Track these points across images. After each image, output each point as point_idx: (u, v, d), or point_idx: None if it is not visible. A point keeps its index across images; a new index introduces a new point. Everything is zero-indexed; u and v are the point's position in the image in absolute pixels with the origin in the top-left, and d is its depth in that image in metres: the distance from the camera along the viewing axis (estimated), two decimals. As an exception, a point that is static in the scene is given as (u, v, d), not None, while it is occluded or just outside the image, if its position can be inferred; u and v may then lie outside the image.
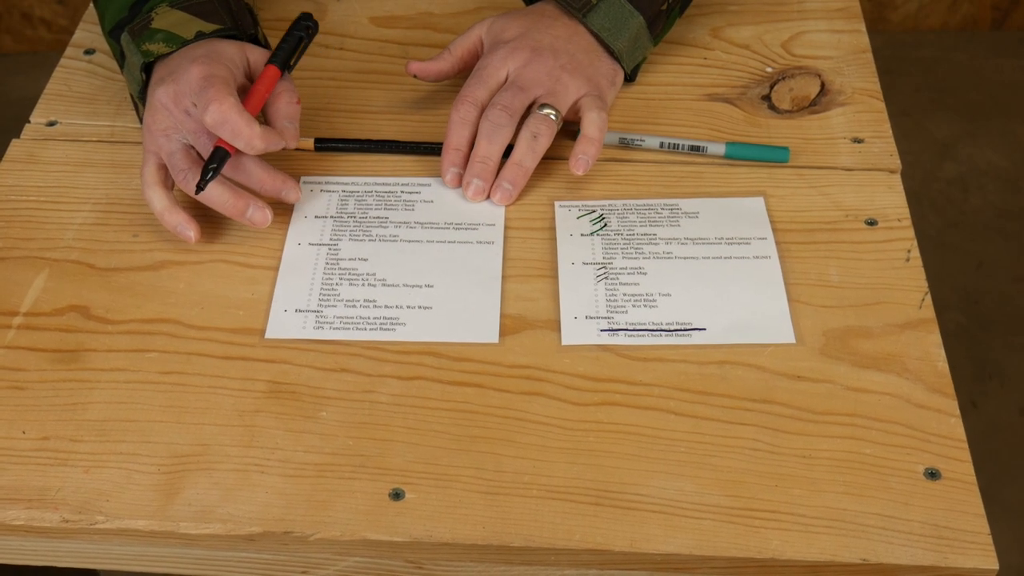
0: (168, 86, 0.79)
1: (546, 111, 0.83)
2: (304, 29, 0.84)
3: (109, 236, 0.82)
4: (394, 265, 0.79)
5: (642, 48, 0.90)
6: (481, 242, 0.81)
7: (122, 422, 0.71)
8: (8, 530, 0.68)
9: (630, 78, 0.92)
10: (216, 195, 0.78)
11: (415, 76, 0.90)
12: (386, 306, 0.77)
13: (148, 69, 0.83)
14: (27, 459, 0.70)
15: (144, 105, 0.83)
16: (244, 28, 0.85)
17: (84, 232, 0.83)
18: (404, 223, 0.82)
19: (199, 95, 0.77)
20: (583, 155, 0.82)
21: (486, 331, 0.75)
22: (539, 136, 0.83)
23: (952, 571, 0.64)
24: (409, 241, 0.81)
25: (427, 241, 0.81)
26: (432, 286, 0.78)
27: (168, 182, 0.81)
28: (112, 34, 0.87)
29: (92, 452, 0.70)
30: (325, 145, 0.88)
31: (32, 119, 0.92)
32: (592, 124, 0.83)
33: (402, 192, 0.85)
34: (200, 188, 0.77)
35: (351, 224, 0.82)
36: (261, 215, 0.80)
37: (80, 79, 0.95)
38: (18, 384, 0.73)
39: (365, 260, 0.80)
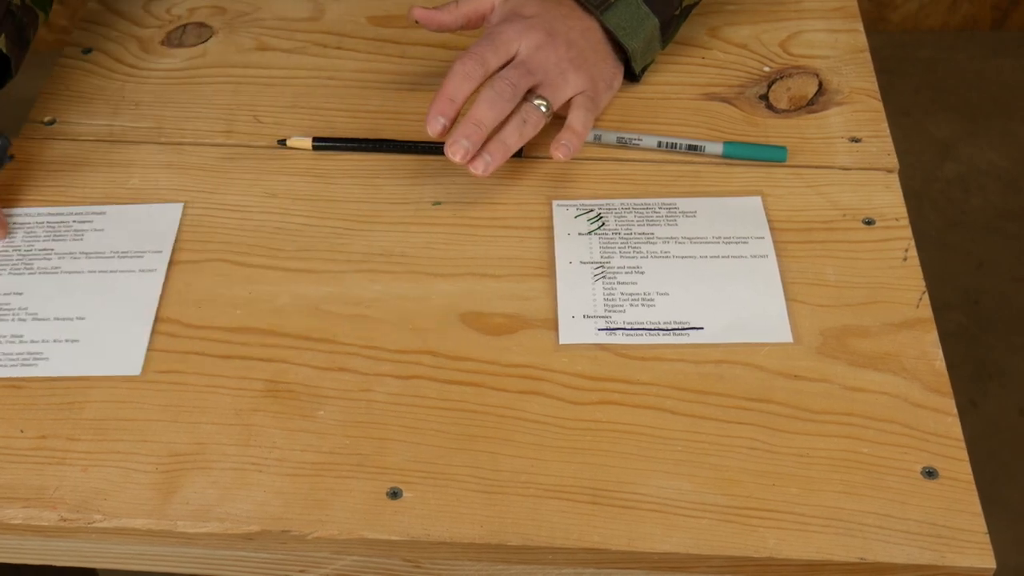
0: None
1: (539, 102, 0.83)
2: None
3: (107, 235, 0.82)
4: (49, 298, 0.77)
5: (653, 51, 0.91)
6: (143, 270, 0.79)
7: (120, 421, 0.71)
8: (6, 529, 0.68)
9: (636, 78, 0.92)
10: None
11: (417, 22, 0.89)
12: (32, 340, 0.75)
13: None
14: (25, 458, 0.70)
15: None
16: None
17: (82, 231, 0.83)
18: (69, 254, 0.80)
19: None
20: (565, 141, 0.82)
21: (128, 364, 0.74)
22: (528, 123, 0.82)
23: (949, 570, 0.64)
24: (70, 272, 0.79)
25: (88, 272, 0.79)
26: (84, 318, 0.76)
27: None
28: None
29: (90, 451, 0.70)
30: (323, 144, 0.88)
31: (31, 117, 0.92)
32: (577, 120, 0.83)
33: (73, 222, 0.82)
34: None
35: (14, 257, 0.80)
36: None
37: (79, 78, 0.95)
38: (15, 383, 0.74)
39: (20, 294, 0.78)
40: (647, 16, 0.88)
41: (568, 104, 0.85)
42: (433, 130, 0.82)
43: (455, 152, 0.80)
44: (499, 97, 0.81)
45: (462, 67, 0.82)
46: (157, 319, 0.77)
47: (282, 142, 0.88)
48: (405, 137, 0.89)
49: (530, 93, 0.83)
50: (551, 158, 0.82)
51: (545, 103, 0.83)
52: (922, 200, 1.95)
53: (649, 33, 0.88)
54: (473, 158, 0.81)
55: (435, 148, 0.87)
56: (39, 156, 0.88)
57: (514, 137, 0.82)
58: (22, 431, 0.71)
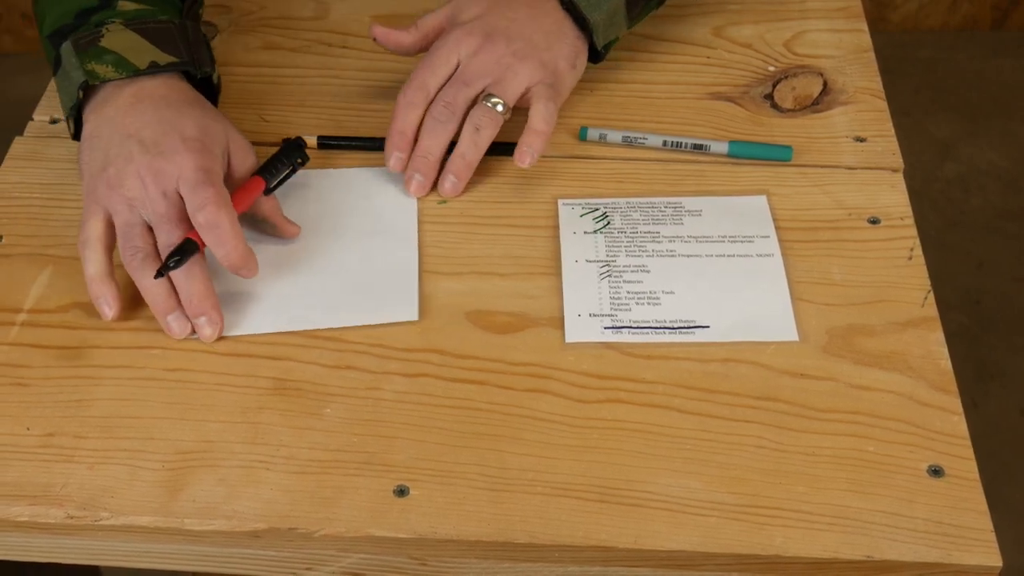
0: (151, 158, 0.76)
1: (492, 101, 0.82)
2: (296, 158, 0.83)
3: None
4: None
5: (617, 27, 0.88)
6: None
7: (126, 419, 0.71)
8: (12, 526, 0.68)
9: (599, 56, 0.88)
10: (155, 285, 0.75)
11: (375, 39, 0.89)
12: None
13: (86, 88, 0.80)
14: (32, 455, 0.70)
15: (75, 124, 0.81)
16: (200, 64, 0.82)
17: (88, 229, 0.83)
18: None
19: (193, 188, 0.74)
20: (527, 147, 0.81)
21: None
22: (481, 129, 0.82)
23: (956, 568, 0.64)
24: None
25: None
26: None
27: (110, 245, 0.77)
28: (52, 39, 0.82)
29: (96, 448, 0.70)
30: (328, 143, 0.88)
31: (35, 116, 0.92)
32: (538, 115, 0.82)
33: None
34: (159, 274, 0.73)
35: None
36: (179, 326, 0.75)
37: (83, 77, 0.95)
38: (22, 381, 0.74)
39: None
40: None
41: (527, 97, 0.84)
42: (392, 167, 0.83)
43: (410, 187, 0.83)
44: (437, 123, 0.82)
45: (404, 98, 0.83)
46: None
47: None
48: (410, 136, 0.89)
49: (480, 95, 0.83)
50: (555, 157, 0.82)
51: (497, 101, 0.82)
52: (922, 200, 1.95)
53: (614, 5, 0.86)
54: (441, 183, 0.83)
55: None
56: (43, 155, 0.88)
57: (471, 149, 0.82)
58: (28, 428, 0.71)
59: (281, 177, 0.82)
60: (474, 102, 0.83)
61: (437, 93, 0.83)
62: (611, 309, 0.76)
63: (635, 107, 0.91)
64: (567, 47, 0.86)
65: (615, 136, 0.88)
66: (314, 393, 0.72)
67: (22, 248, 0.82)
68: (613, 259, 0.80)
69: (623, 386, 0.73)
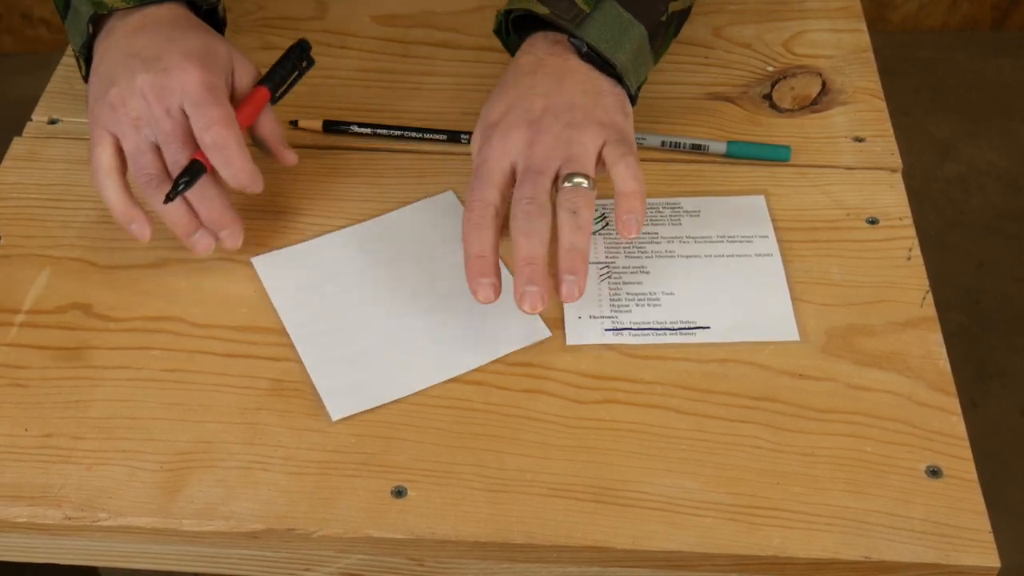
0: (154, 75, 0.75)
1: (575, 181, 0.73)
2: (300, 62, 0.82)
3: (111, 234, 0.82)
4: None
5: (645, 65, 0.81)
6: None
7: (125, 419, 0.71)
8: (10, 527, 0.68)
9: (632, 100, 0.81)
10: (172, 208, 0.75)
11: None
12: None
13: (95, 21, 0.79)
14: (30, 456, 0.70)
15: (86, 63, 0.81)
16: None
17: (86, 230, 0.83)
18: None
19: (198, 106, 0.74)
20: (629, 214, 0.72)
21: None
22: (579, 211, 0.72)
23: (954, 568, 0.64)
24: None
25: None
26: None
27: (123, 170, 0.77)
28: None
29: (95, 449, 0.70)
30: (333, 128, 0.88)
31: (34, 117, 0.92)
32: (623, 177, 0.73)
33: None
34: (169, 199, 0.74)
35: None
36: (206, 243, 0.77)
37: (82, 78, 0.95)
38: (20, 382, 0.74)
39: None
40: (631, 23, 0.79)
41: (601, 161, 0.75)
42: (485, 297, 0.71)
43: (529, 306, 0.71)
44: (529, 222, 0.71)
45: (470, 219, 0.73)
46: (163, 317, 0.77)
47: (294, 123, 0.89)
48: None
49: (557, 181, 0.74)
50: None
51: (579, 178, 0.73)
52: (922, 200, 1.95)
53: (636, 43, 0.79)
54: (560, 289, 0.71)
55: (443, 135, 0.87)
56: (42, 155, 0.88)
57: (578, 237, 0.72)
58: (27, 429, 0.71)
59: (287, 84, 0.81)
60: (553, 190, 0.74)
61: (503, 201, 0.74)
62: (611, 311, 0.76)
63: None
64: (610, 99, 0.78)
65: (614, 136, 0.87)
66: (312, 394, 0.72)
67: (20, 249, 0.82)
68: (612, 260, 0.80)
69: (621, 387, 0.73)
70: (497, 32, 0.84)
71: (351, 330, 0.76)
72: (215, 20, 0.85)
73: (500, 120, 0.76)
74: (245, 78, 0.80)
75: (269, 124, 0.81)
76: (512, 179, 0.75)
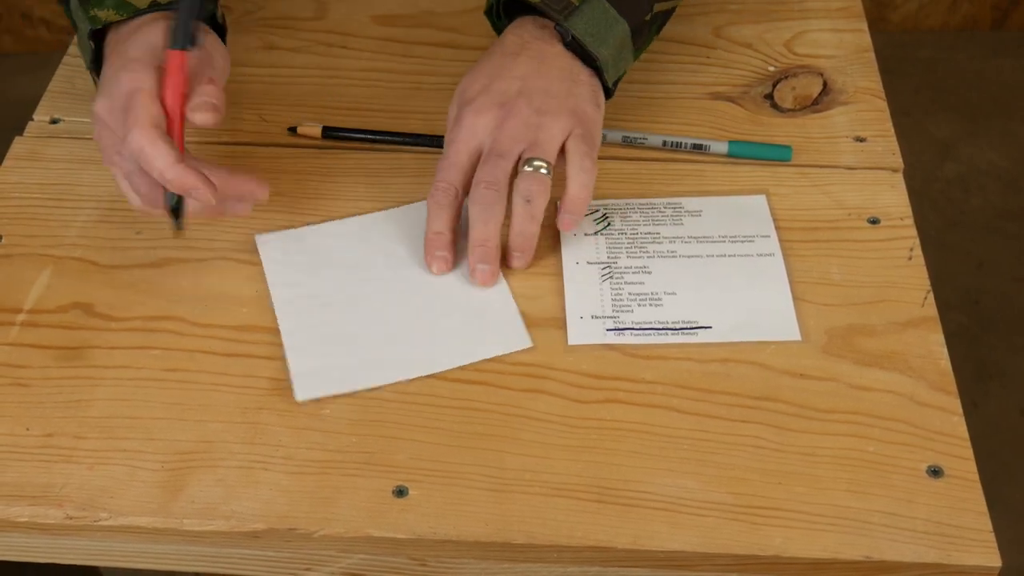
0: (103, 99, 0.74)
1: (534, 165, 0.76)
2: None
3: (112, 233, 0.82)
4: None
5: (625, 60, 0.83)
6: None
7: (126, 419, 0.71)
8: (11, 527, 0.68)
9: (609, 94, 0.83)
10: (188, 204, 0.75)
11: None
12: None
13: (97, 38, 0.79)
14: (31, 456, 0.70)
15: (98, 75, 0.81)
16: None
17: (87, 229, 0.83)
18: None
19: (118, 121, 0.73)
20: (570, 215, 0.78)
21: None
22: (533, 199, 0.76)
23: (955, 568, 0.64)
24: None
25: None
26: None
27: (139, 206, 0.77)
28: (63, 2, 0.83)
29: (96, 449, 0.70)
30: (332, 134, 0.88)
31: (35, 117, 0.92)
32: (576, 182, 0.77)
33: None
34: (178, 228, 0.75)
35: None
36: (239, 209, 0.77)
37: (83, 77, 0.95)
38: (22, 381, 0.74)
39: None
40: (616, 20, 0.81)
41: (564, 150, 0.79)
42: (438, 269, 0.78)
43: (479, 279, 0.77)
44: (486, 207, 0.76)
45: (433, 200, 0.78)
46: (164, 317, 0.77)
47: (292, 129, 0.89)
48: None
49: (519, 163, 0.77)
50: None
51: (539, 163, 0.77)
52: (922, 200, 1.95)
53: (619, 39, 0.81)
54: (509, 263, 0.78)
55: (443, 142, 0.87)
56: (43, 155, 0.88)
57: (528, 223, 0.77)
58: (28, 429, 0.71)
59: (186, 22, 0.74)
60: (514, 172, 0.77)
61: (467, 184, 0.78)
62: (613, 311, 0.76)
63: (635, 107, 0.91)
64: (585, 88, 0.80)
65: (615, 136, 0.88)
66: (313, 393, 0.72)
67: (22, 248, 0.82)
68: (614, 260, 0.80)
69: (622, 386, 0.73)
70: (488, 14, 0.87)
71: (336, 315, 0.77)
72: (215, 26, 0.84)
73: (475, 98, 0.79)
74: (196, 55, 0.76)
75: (199, 87, 0.75)
76: (478, 159, 0.78)
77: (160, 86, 0.74)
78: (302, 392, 0.72)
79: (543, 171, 0.77)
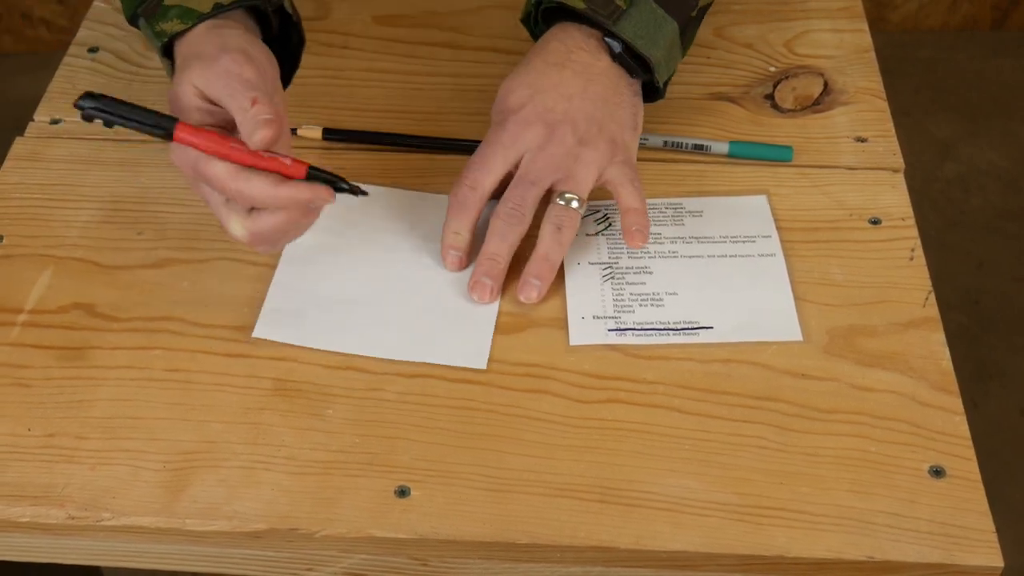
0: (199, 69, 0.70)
1: (567, 199, 0.77)
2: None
3: (114, 234, 0.82)
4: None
5: (675, 59, 0.82)
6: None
7: (128, 419, 0.71)
8: (13, 527, 0.68)
9: (659, 95, 0.83)
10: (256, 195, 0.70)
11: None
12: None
13: (170, 53, 0.76)
14: (33, 456, 0.70)
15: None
16: None
17: (89, 230, 0.83)
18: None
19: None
20: (637, 228, 0.77)
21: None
22: (563, 228, 0.76)
23: (958, 568, 0.64)
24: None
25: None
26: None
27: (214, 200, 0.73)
28: (132, 22, 0.79)
29: (98, 449, 0.70)
30: (333, 136, 0.88)
31: (36, 117, 0.92)
32: (631, 198, 0.77)
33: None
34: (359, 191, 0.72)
35: None
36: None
37: (84, 77, 0.95)
38: (23, 381, 0.74)
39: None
40: (664, 20, 0.79)
41: (602, 181, 0.79)
42: (452, 266, 0.78)
43: (478, 293, 0.77)
44: (506, 225, 0.76)
45: (456, 198, 0.78)
46: (166, 317, 0.77)
47: (292, 131, 0.89)
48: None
49: (551, 193, 0.77)
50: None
51: (573, 197, 0.77)
52: (922, 200, 1.95)
53: (669, 39, 0.80)
54: (523, 288, 0.77)
55: (444, 144, 0.87)
56: (44, 155, 0.88)
57: (555, 249, 0.77)
58: (30, 429, 0.71)
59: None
60: (544, 200, 0.78)
61: (493, 191, 0.78)
62: (615, 311, 0.76)
63: (636, 107, 0.91)
64: (627, 110, 0.80)
65: (616, 136, 0.87)
66: (315, 394, 0.72)
67: (23, 249, 0.82)
68: (615, 261, 0.80)
69: (624, 386, 0.73)
70: (524, 21, 0.84)
71: (333, 274, 0.79)
72: (284, 17, 0.79)
73: (520, 108, 0.78)
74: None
75: (250, 123, 0.70)
76: (511, 168, 0.78)
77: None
78: (261, 330, 0.74)
79: (575, 205, 0.77)
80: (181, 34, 0.74)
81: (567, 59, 0.80)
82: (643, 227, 0.77)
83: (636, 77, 0.81)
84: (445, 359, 0.74)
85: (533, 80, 0.79)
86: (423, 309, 0.77)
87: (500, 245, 0.77)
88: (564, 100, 0.78)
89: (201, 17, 0.74)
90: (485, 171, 0.78)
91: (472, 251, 0.79)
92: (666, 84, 0.83)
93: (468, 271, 0.79)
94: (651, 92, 0.83)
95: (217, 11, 0.74)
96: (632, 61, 0.80)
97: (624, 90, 0.80)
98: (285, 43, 0.81)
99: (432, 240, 0.81)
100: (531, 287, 0.76)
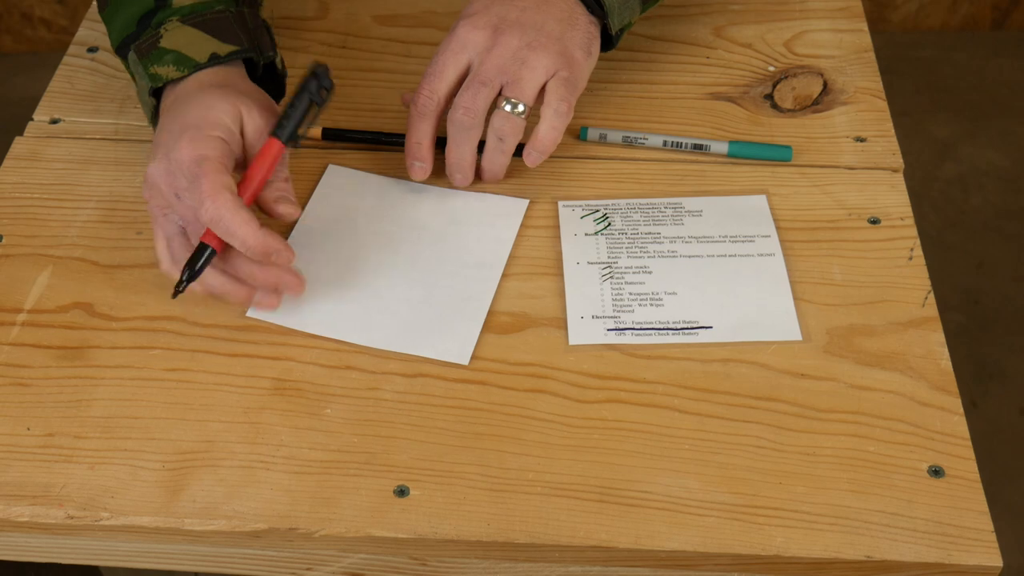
0: (160, 161, 0.73)
1: (509, 107, 0.79)
2: (316, 91, 0.75)
3: (112, 233, 0.82)
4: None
5: (631, 10, 0.84)
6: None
7: (127, 419, 0.71)
8: (12, 526, 0.68)
9: (612, 43, 0.85)
10: (217, 284, 0.74)
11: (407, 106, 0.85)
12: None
13: (157, 93, 0.79)
14: (32, 456, 0.70)
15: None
16: (262, 49, 0.81)
17: (88, 229, 0.83)
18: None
19: (189, 187, 0.71)
20: (536, 152, 0.81)
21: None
22: (505, 138, 0.80)
23: (956, 568, 0.64)
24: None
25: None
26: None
27: (176, 257, 0.75)
28: (120, 51, 0.82)
29: (97, 449, 0.70)
30: (332, 136, 0.88)
31: (35, 117, 0.92)
32: (548, 121, 0.80)
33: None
34: (176, 292, 0.72)
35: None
36: (268, 302, 0.75)
37: (83, 77, 0.95)
38: (23, 381, 0.74)
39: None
40: None
41: (544, 90, 0.80)
42: (416, 176, 0.83)
43: (454, 181, 0.83)
44: (461, 130, 0.80)
45: (415, 109, 0.81)
46: (165, 317, 0.77)
47: None
48: (410, 136, 0.89)
49: (499, 97, 0.80)
50: (554, 157, 0.82)
51: (517, 103, 0.79)
52: (922, 200, 1.95)
53: None
54: (480, 175, 0.83)
55: (442, 144, 0.87)
56: (43, 155, 0.88)
57: (498, 157, 0.82)
58: (29, 429, 0.71)
59: (304, 122, 0.75)
60: (495, 101, 0.80)
61: (450, 95, 0.81)
62: (614, 311, 0.76)
63: (635, 107, 0.91)
64: (580, 33, 0.82)
65: (615, 136, 0.88)
66: (314, 393, 0.72)
67: (22, 248, 0.82)
68: (615, 260, 0.80)
69: (623, 386, 0.73)
70: None
71: (328, 260, 0.80)
72: (273, 74, 0.84)
73: (473, 14, 0.82)
74: (255, 130, 0.76)
75: (269, 191, 0.76)
76: (463, 73, 0.81)
77: (223, 155, 0.73)
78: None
79: (519, 110, 0.80)
80: (175, 81, 0.78)
81: None
82: (544, 152, 0.81)
83: (594, 15, 0.83)
84: (430, 352, 0.74)
85: None
86: (416, 301, 0.77)
87: (458, 151, 0.82)
88: (517, 10, 0.81)
89: (197, 66, 0.78)
90: (437, 77, 0.81)
91: (432, 160, 0.83)
92: (619, 36, 0.85)
93: (464, 267, 0.79)
94: (606, 42, 0.85)
95: (213, 62, 0.78)
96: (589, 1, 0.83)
97: (580, 17, 0.83)
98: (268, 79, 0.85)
99: (429, 229, 0.82)
100: (485, 176, 0.84)
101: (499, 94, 0.80)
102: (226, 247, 0.73)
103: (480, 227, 0.82)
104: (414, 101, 0.82)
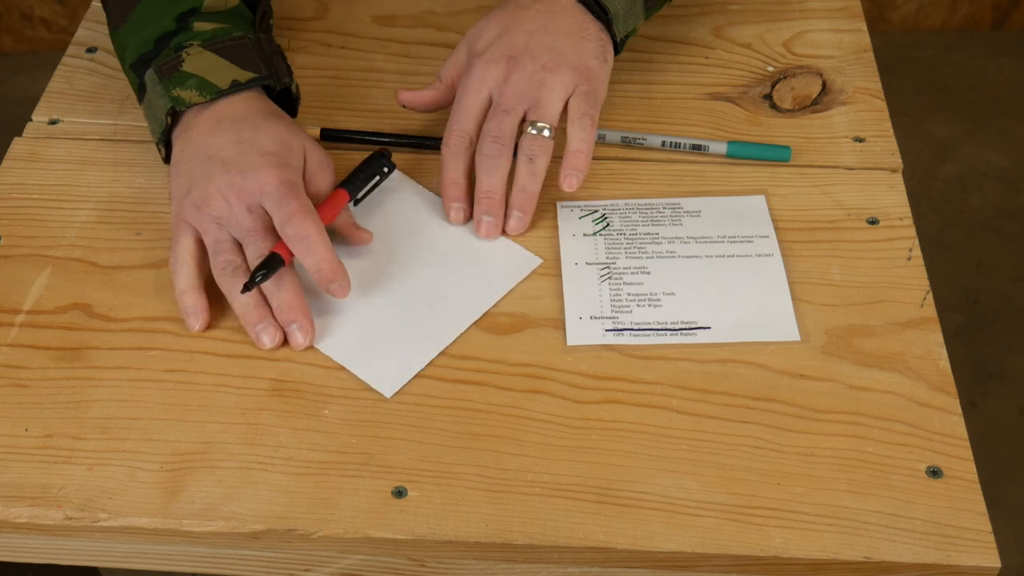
0: (232, 177, 0.75)
1: (535, 130, 0.80)
2: (381, 168, 0.82)
3: (111, 234, 0.82)
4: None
5: (635, 17, 0.85)
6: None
7: (125, 420, 0.71)
8: (11, 528, 0.68)
9: (617, 49, 0.86)
10: (244, 297, 0.75)
11: (405, 106, 0.87)
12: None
13: (174, 113, 0.80)
14: (30, 457, 0.70)
15: (165, 148, 0.81)
16: (279, 75, 0.82)
17: (86, 230, 0.83)
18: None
19: (278, 202, 0.74)
20: (572, 170, 0.80)
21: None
22: (535, 158, 0.80)
23: (955, 569, 0.64)
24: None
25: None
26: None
27: (201, 261, 0.77)
28: (135, 68, 0.82)
29: (95, 450, 0.70)
30: (331, 136, 0.88)
31: (34, 117, 0.92)
32: (576, 139, 0.80)
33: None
34: (247, 288, 0.74)
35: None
36: (269, 336, 0.74)
37: (82, 77, 0.95)
38: (21, 382, 0.74)
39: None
40: None
41: (567, 108, 0.81)
42: (454, 220, 0.82)
43: (483, 231, 0.81)
44: (490, 159, 0.80)
45: (448, 149, 0.82)
46: (163, 318, 0.77)
47: None
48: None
49: (524, 123, 0.81)
50: (553, 158, 0.82)
51: (542, 125, 0.80)
52: (921, 200, 1.95)
53: None
54: (506, 220, 0.81)
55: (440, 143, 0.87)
56: (42, 156, 0.88)
57: (530, 181, 0.81)
58: (27, 430, 0.71)
59: (367, 188, 0.81)
60: (520, 127, 0.81)
61: (479, 132, 0.81)
62: (612, 311, 0.76)
63: (634, 107, 0.91)
64: (593, 43, 0.83)
65: (614, 136, 0.88)
66: (312, 394, 0.72)
67: (21, 249, 0.82)
68: (613, 261, 0.80)
69: (621, 387, 0.73)
70: None
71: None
72: (288, 98, 0.85)
73: (485, 50, 0.83)
74: (321, 175, 0.80)
75: (341, 215, 0.80)
76: (488, 107, 0.82)
77: (302, 184, 0.77)
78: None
79: (545, 133, 0.80)
80: (199, 105, 0.79)
81: (533, 1, 0.85)
82: (579, 170, 0.81)
83: (600, 21, 0.84)
84: (362, 373, 0.73)
85: (499, 21, 0.84)
86: (376, 319, 0.77)
87: (489, 181, 0.80)
88: (525, 35, 0.82)
89: (220, 93, 0.79)
90: (464, 116, 0.82)
91: (471, 200, 0.82)
92: (623, 42, 0.86)
93: (442, 302, 0.78)
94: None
95: (235, 88, 0.79)
96: (592, 5, 0.84)
97: (590, 26, 0.84)
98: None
99: (428, 250, 0.81)
100: (517, 220, 0.81)
101: (523, 120, 0.81)
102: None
103: (477, 267, 0.80)
104: (445, 143, 0.82)
